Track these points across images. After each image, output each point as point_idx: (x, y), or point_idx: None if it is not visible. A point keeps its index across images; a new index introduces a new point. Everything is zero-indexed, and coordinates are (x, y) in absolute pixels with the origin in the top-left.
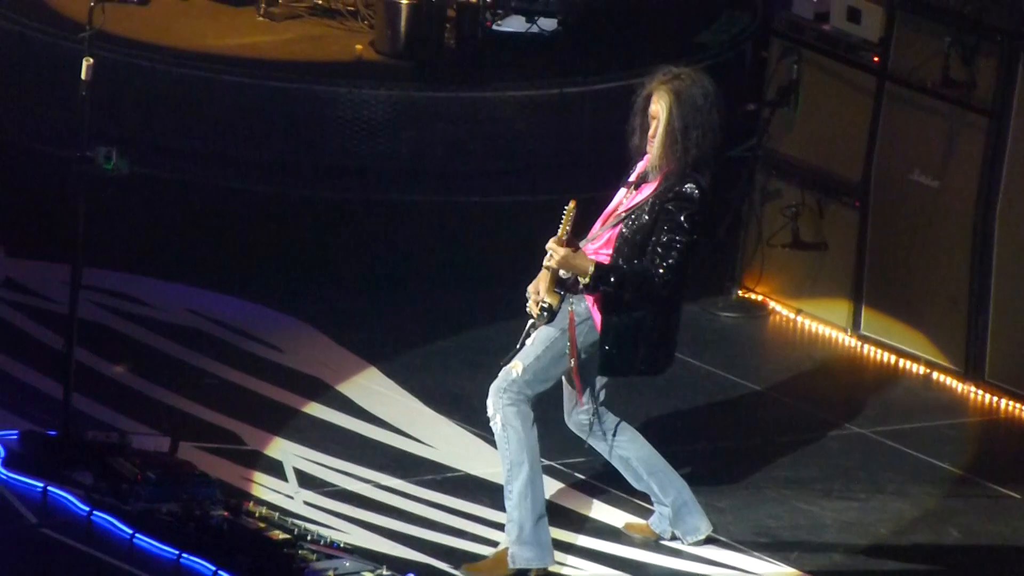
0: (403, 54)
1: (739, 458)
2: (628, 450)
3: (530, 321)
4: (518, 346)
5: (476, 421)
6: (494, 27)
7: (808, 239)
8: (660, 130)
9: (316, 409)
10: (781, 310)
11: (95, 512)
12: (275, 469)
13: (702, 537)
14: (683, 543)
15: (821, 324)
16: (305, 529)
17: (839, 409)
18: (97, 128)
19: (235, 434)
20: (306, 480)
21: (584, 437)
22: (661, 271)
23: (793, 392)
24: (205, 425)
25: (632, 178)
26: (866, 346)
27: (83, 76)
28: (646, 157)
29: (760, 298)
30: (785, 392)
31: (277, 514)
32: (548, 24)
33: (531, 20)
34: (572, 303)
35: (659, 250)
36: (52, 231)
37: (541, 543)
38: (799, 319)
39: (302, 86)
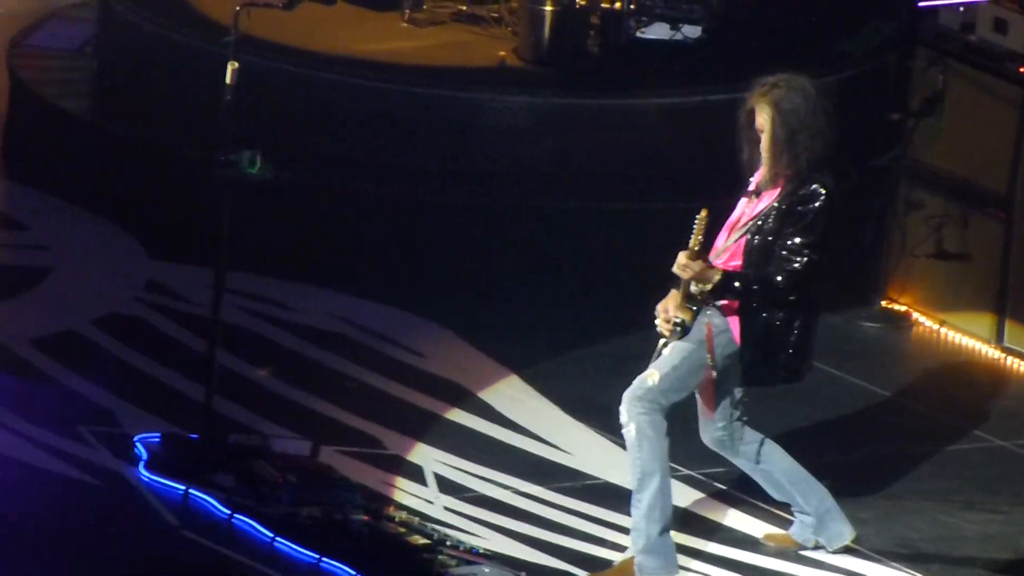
0: (546, 61)
1: (880, 469)
2: (768, 463)
3: (661, 340)
4: (653, 361)
5: (615, 429)
6: (638, 34)
7: (952, 250)
8: (767, 141)
9: (457, 415)
10: (925, 321)
11: (236, 515)
12: (415, 474)
13: (846, 542)
14: (826, 551)
15: (964, 335)
16: (445, 534)
17: (982, 421)
18: (241, 132)
19: (376, 439)
20: (446, 485)
21: (721, 452)
22: (785, 274)
23: (936, 403)
24: (346, 429)
25: (751, 187)
26: (1010, 358)
27: (227, 80)
28: (759, 170)
29: (904, 309)
30: (927, 403)
31: (417, 519)
32: (692, 31)
33: (675, 27)
34: (708, 315)
35: (784, 253)
36: (196, 234)
37: (667, 553)
38: (943, 330)
39: (445, 92)
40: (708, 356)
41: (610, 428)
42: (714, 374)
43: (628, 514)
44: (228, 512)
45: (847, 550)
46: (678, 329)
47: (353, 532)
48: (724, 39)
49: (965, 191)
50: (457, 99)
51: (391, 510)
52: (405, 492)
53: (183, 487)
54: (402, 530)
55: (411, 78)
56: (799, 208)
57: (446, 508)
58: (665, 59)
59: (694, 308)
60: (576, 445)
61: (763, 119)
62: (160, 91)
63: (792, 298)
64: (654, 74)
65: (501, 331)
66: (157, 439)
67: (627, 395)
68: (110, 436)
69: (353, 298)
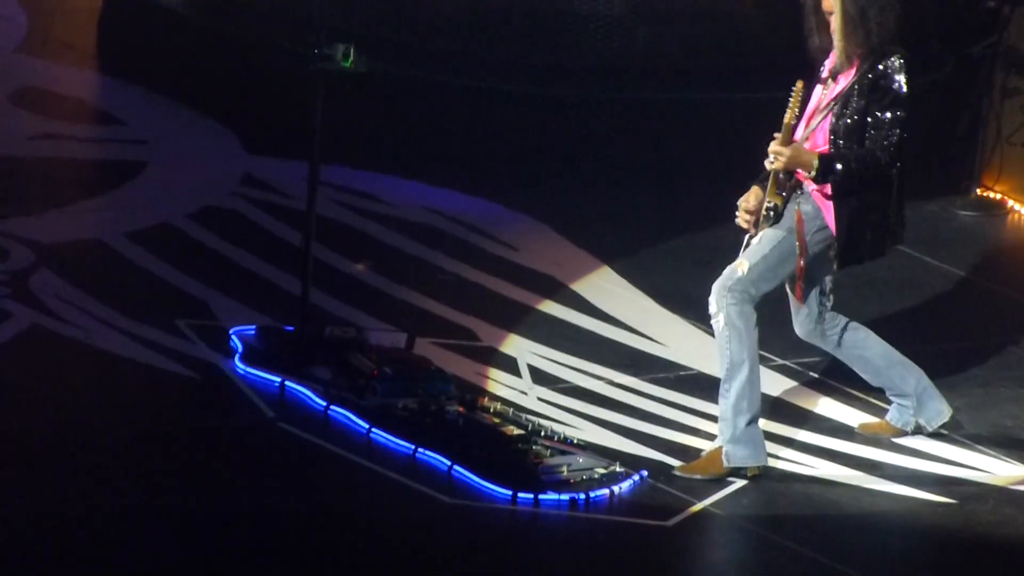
0: None
1: (975, 356)
2: (864, 348)
3: (747, 235)
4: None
5: (708, 320)
6: None
7: None
8: (838, 21)
9: (550, 307)
10: (1020, 209)
11: (332, 407)
12: (509, 365)
13: (946, 419)
14: (924, 432)
15: None
16: (539, 425)
17: None
18: (336, 25)
19: (470, 330)
20: (540, 377)
21: (815, 342)
22: (885, 149)
23: None
24: (441, 321)
25: (824, 74)
26: None
27: None
28: (831, 55)
29: (999, 197)
30: (1022, 291)
31: (511, 410)
32: None
33: None
34: (799, 202)
35: (878, 130)
36: (291, 128)
37: (756, 441)
38: None
39: None
40: (798, 244)
41: (703, 319)
42: (801, 261)
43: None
44: (324, 404)
45: (942, 437)
46: (771, 214)
47: (448, 423)
48: None
49: None
50: None
51: (485, 401)
52: (499, 383)
53: (279, 379)
54: (496, 421)
55: None
56: (882, 82)
57: (540, 399)
58: None
59: (784, 194)
60: (669, 336)
61: (831, 2)
62: None
63: (893, 172)
64: None
65: (594, 223)
66: (253, 332)
67: (717, 285)
68: (207, 329)
69: (446, 190)
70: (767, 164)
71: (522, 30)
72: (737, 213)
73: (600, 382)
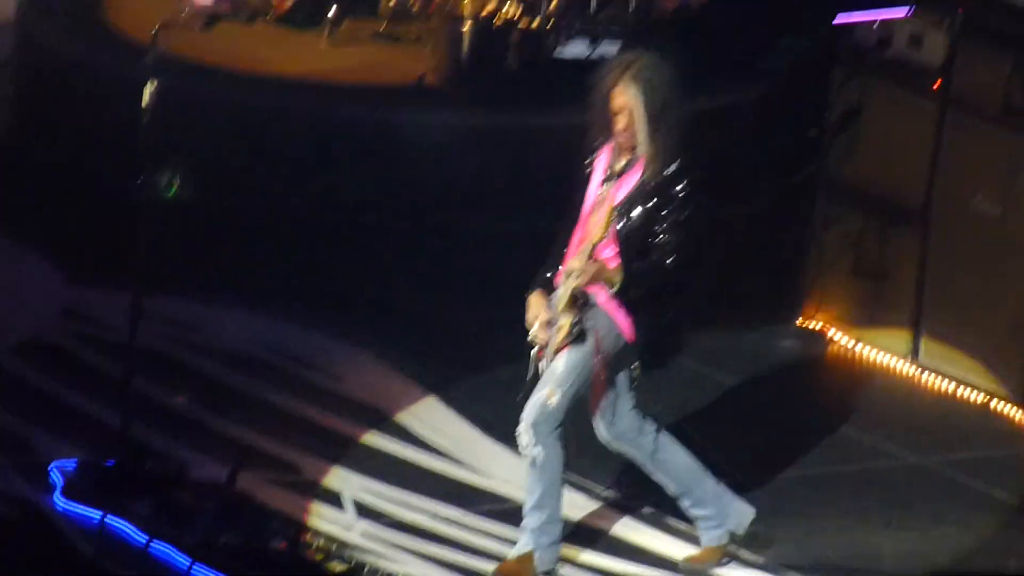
0: (466, 79)
1: (798, 488)
2: (665, 451)
3: (537, 348)
4: (530, 374)
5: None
6: (555, 53)
7: (869, 266)
8: (639, 120)
9: (374, 439)
10: (841, 337)
11: (153, 542)
12: (333, 500)
13: (752, 516)
14: (738, 534)
15: (881, 352)
16: (363, 561)
17: (899, 438)
18: (159, 154)
19: (294, 464)
20: (364, 511)
21: (618, 446)
22: (671, 253)
23: (853, 421)
24: (265, 455)
25: (602, 173)
26: (926, 374)
27: (145, 102)
28: (607, 149)
29: (820, 325)
30: (844, 421)
31: (335, 545)
32: (610, 48)
33: (594, 44)
34: (593, 316)
35: (666, 235)
36: (115, 258)
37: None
38: (859, 347)
39: (364, 111)
40: (596, 359)
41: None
42: (603, 376)
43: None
44: (145, 539)
45: (766, 569)
46: (572, 332)
47: (271, 559)
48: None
49: (882, 207)
50: (376, 118)
51: (309, 536)
52: (323, 518)
53: (100, 514)
54: (320, 557)
55: (330, 97)
56: (669, 185)
57: (364, 534)
58: (584, 76)
59: (578, 307)
60: (494, 467)
61: (630, 97)
62: (78, 113)
63: (682, 270)
64: (573, 91)
65: (418, 352)
66: (73, 465)
67: (528, 418)
68: (26, 464)
69: (270, 320)
70: (567, 281)
71: (348, 157)
72: (530, 328)
73: (425, 515)
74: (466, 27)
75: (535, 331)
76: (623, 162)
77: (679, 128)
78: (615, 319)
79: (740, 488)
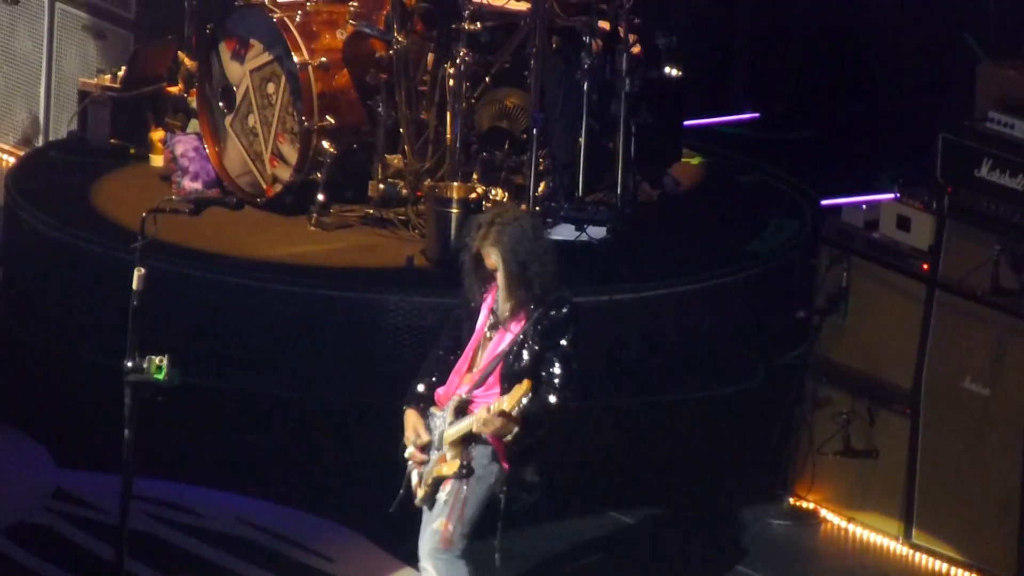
0: (454, 262)
1: None
2: None
3: (416, 472)
4: (403, 489)
5: None
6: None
7: (859, 447)
8: (502, 280)
9: None
10: (833, 518)
11: None
12: None
13: None
14: None
15: (873, 532)
16: None
17: None
18: (148, 338)
19: None
20: None
21: (432, 561)
22: (558, 391)
23: None
24: None
25: (487, 312)
26: (918, 554)
27: (134, 286)
28: (487, 305)
29: (812, 506)
30: None
31: None
32: (597, 232)
33: (580, 228)
34: (474, 447)
35: (550, 374)
36: (104, 441)
37: None
38: (851, 527)
39: (353, 294)
40: (465, 484)
41: None
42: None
43: None
44: None
45: None
46: (463, 471)
47: None
48: (629, 240)
49: (871, 388)
50: (365, 301)
51: None
52: None
53: None
54: None
55: (319, 280)
56: (550, 325)
57: None
58: (570, 260)
59: (467, 446)
60: None
61: (495, 259)
62: (66, 298)
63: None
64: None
65: (409, 533)
66: None
67: (426, 550)
68: None
69: (260, 501)
70: (461, 421)
71: (337, 340)
72: (408, 448)
73: None
74: (454, 210)
75: (412, 452)
76: (506, 310)
77: (555, 274)
78: (498, 452)
79: None
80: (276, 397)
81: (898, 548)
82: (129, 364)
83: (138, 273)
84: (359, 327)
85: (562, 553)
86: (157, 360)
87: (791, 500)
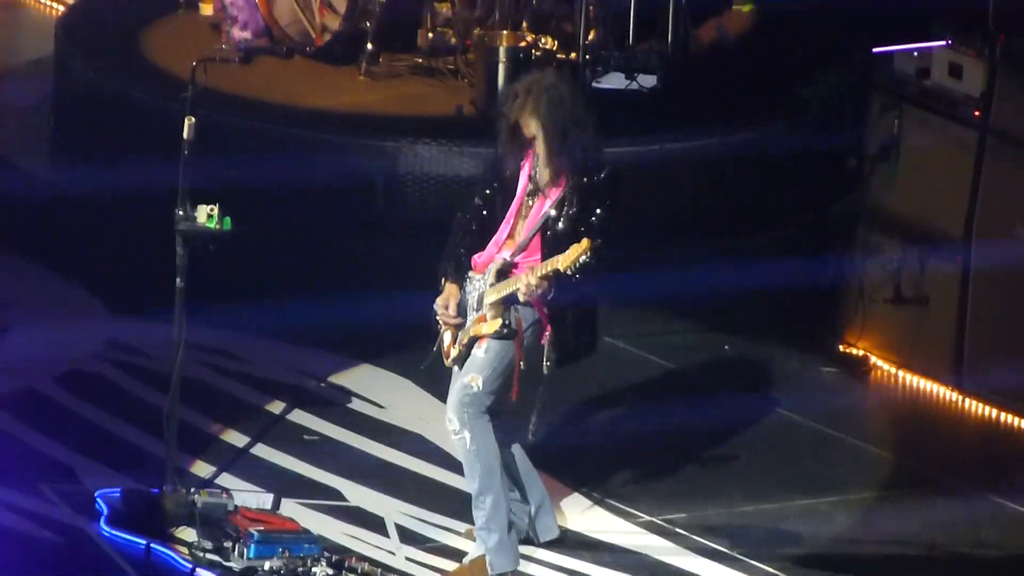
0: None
1: (842, 513)
2: (514, 447)
3: (448, 334)
4: (435, 348)
5: (582, 479)
6: (594, 84)
7: (910, 295)
8: (543, 147)
9: (417, 465)
10: (883, 365)
11: (198, 568)
12: (377, 525)
13: (555, 536)
14: (536, 544)
15: (923, 379)
16: None
17: (943, 464)
18: (200, 186)
19: (337, 490)
20: (408, 536)
21: (481, 421)
22: (603, 250)
23: (896, 448)
24: (307, 482)
25: (526, 179)
26: (969, 401)
27: (185, 135)
28: (530, 158)
29: (862, 353)
30: (888, 448)
31: (380, 570)
32: (648, 80)
33: (631, 77)
34: (517, 309)
35: (597, 230)
36: (156, 289)
37: (514, 548)
38: (901, 374)
39: (403, 143)
40: (516, 347)
41: (575, 478)
42: (522, 365)
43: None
44: (190, 566)
45: None
46: (503, 331)
47: None
48: (680, 88)
49: (922, 236)
50: (415, 150)
51: (353, 561)
52: (367, 543)
53: (144, 542)
54: None
55: (369, 130)
56: (590, 188)
57: (408, 559)
58: (621, 108)
59: (508, 307)
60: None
61: (532, 127)
62: (117, 147)
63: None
64: (611, 123)
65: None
66: (118, 494)
67: (453, 403)
68: (71, 492)
69: (312, 349)
70: (503, 283)
71: (386, 189)
72: (439, 313)
73: (471, 541)
74: (503, 59)
75: (444, 313)
76: (546, 176)
77: (594, 137)
78: (539, 318)
79: (774, 513)
80: (327, 245)
81: (949, 395)
82: (180, 213)
83: (188, 122)
84: (407, 176)
85: (606, 397)
86: (208, 208)
87: (841, 347)
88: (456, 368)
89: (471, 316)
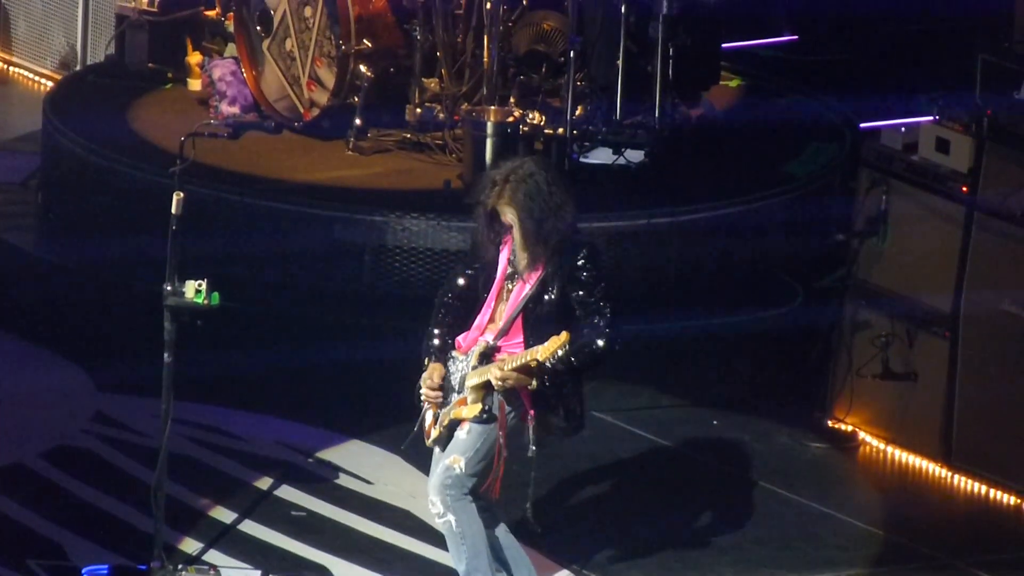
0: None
1: None
2: (499, 527)
3: (431, 413)
4: (415, 430)
5: (567, 553)
6: (581, 159)
7: (898, 369)
8: (519, 238)
9: (405, 541)
10: (871, 440)
11: None
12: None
13: None
14: None
15: (912, 455)
16: None
17: (932, 540)
18: (188, 262)
19: (325, 567)
20: None
21: (447, 500)
22: (604, 334)
23: (885, 523)
24: (295, 558)
25: (506, 262)
26: (957, 476)
27: (174, 210)
28: (504, 256)
29: (850, 428)
30: (877, 524)
31: None
32: (635, 156)
33: (618, 152)
34: (500, 393)
35: (591, 314)
36: (143, 365)
37: None
38: (889, 450)
39: (390, 218)
40: (500, 433)
41: (563, 554)
42: (505, 453)
43: None
44: None
45: None
46: (483, 416)
47: None
48: (667, 163)
49: (910, 310)
50: (403, 224)
51: None
52: None
53: None
54: None
55: (356, 204)
56: (578, 273)
57: None
58: (608, 183)
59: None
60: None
61: (509, 216)
62: (105, 222)
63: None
64: (597, 198)
65: None
66: (105, 571)
67: (436, 485)
68: (59, 569)
69: (300, 425)
70: (486, 369)
71: (374, 263)
72: (423, 392)
73: None
74: (491, 133)
75: (427, 392)
76: (524, 261)
77: (573, 220)
78: (523, 402)
79: None
80: (316, 321)
81: (937, 471)
82: (168, 288)
83: (177, 197)
84: (395, 250)
85: (595, 472)
86: (196, 284)
87: (830, 422)
88: (437, 449)
89: (453, 397)
